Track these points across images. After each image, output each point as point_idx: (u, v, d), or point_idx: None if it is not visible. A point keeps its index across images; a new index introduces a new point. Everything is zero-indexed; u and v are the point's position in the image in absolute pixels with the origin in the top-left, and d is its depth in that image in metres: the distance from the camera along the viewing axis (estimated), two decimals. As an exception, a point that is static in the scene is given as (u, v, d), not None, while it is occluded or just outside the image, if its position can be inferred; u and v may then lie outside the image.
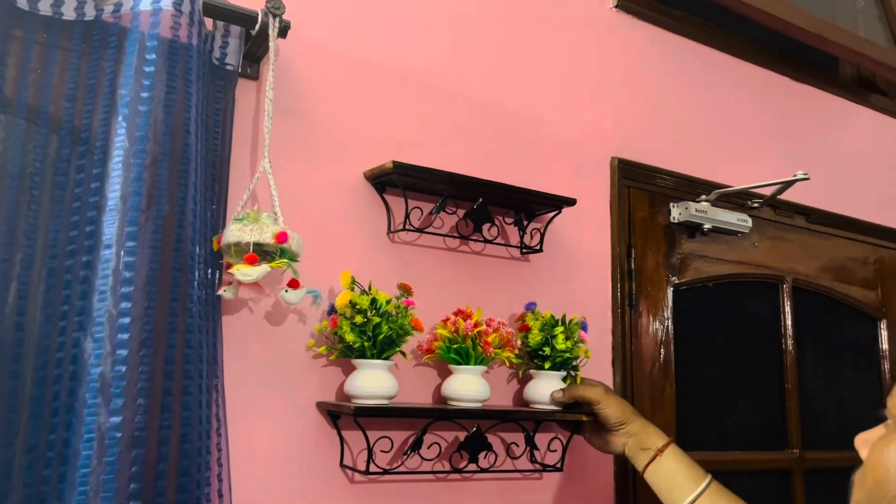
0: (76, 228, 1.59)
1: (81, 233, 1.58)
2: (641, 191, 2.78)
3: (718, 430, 2.88)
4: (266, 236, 1.69)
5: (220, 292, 1.73)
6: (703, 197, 2.85)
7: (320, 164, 2.09)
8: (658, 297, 2.74)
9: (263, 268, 1.69)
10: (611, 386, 2.54)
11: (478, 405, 2.07)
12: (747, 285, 3.07)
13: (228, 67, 1.90)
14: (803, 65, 3.42)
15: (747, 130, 3.16)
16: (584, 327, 2.25)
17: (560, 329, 2.19)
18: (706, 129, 3.03)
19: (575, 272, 2.53)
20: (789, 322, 3.13)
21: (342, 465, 1.99)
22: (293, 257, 1.78)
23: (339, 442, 1.99)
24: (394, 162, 2.03)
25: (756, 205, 3.03)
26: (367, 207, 2.15)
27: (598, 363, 2.49)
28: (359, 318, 1.89)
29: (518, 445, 2.25)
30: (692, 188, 2.88)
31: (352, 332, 1.88)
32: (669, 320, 2.76)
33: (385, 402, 1.93)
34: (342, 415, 1.95)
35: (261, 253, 1.73)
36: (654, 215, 2.79)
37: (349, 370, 1.97)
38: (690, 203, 2.79)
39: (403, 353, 2.05)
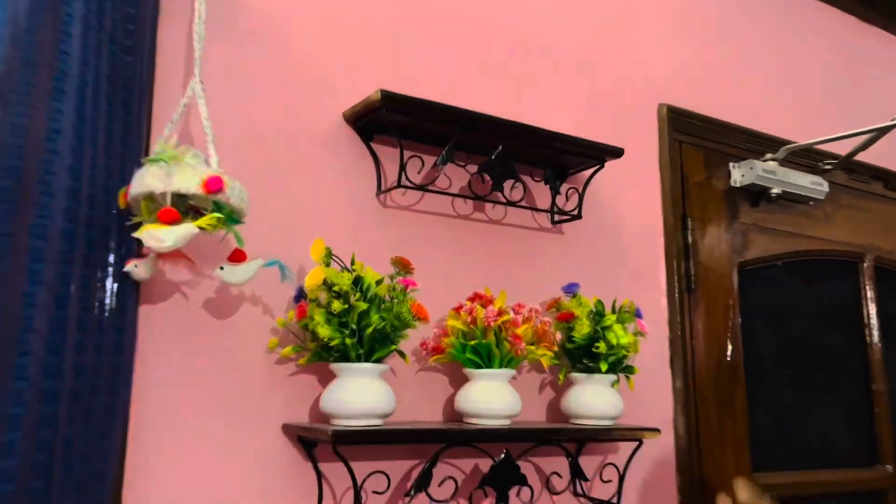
0: None
1: None
2: (696, 147, 2.23)
3: (796, 444, 2.32)
4: (190, 184, 1.14)
5: (128, 268, 1.17)
6: (770, 155, 2.30)
7: (285, 99, 1.53)
8: (721, 280, 2.18)
9: (184, 229, 1.13)
10: (669, 394, 1.98)
11: (506, 423, 1.51)
12: (821, 264, 2.52)
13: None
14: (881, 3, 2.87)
15: (816, 79, 2.61)
16: (638, 314, 1.70)
17: (612, 318, 1.63)
18: (769, 77, 2.47)
19: (619, 247, 1.97)
20: (872, 309, 2.57)
21: (320, 512, 1.43)
22: (234, 216, 1.23)
23: (317, 480, 1.43)
24: (382, 92, 1.47)
25: (829, 166, 2.47)
26: (350, 160, 1.60)
27: (651, 363, 1.93)
28: (337, 305, 1.33)
29: (561, 476, 1.69)
30: (754, 145, 2.33)
31: (327, 325, 1.32)
32: (735, 308, 2.19)
33: (377, 422, 1.37)
34: (319, 442, 1.39)
35: (184, 209, 1.17)
36: (711, 178, 2.24)
37: (327, 379, 1.42)
38: (756, 162, 2.24)
39: (402, 354, 1.49)
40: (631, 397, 1.82)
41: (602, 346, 1.58)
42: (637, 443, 1.70)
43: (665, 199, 2.10)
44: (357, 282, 1.38)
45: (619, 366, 1.66)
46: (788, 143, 2.30)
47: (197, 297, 1.37)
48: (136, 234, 1.13)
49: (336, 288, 1.34)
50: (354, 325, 1.35)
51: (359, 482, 1.36)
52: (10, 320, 1.01)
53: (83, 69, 1.17)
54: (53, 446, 1.06)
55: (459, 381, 1.59)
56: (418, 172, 1.63)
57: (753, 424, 2.17)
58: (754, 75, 2.43)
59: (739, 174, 2.27)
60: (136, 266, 1.18)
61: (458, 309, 1.55)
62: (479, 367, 1.53)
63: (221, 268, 1.26)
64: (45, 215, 1.08)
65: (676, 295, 2.06)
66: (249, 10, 1.51)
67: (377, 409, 1.36)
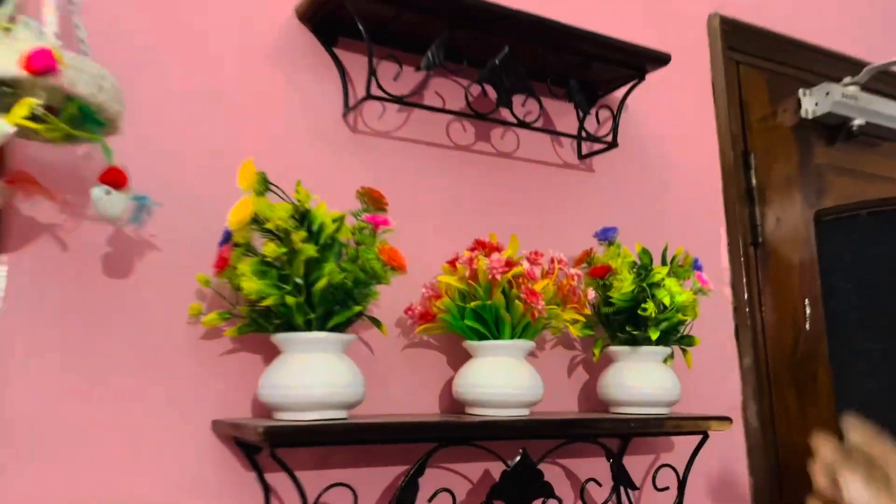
0: None
1: None
2: (757, 70, 1.79)
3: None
4: (4, 61, 0.75)
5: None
6: (849, 79, 1.85)
7: (212, -13, 1.14)
8: (794, 232, 1.75)
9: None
10: (735, 374, 1.56)
11: (522, 413, 1.11)
12: (913, 216, 2.04)
13: None
14: None
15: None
16: (697, 266, 1.28)
17: (663, 271, 1.21)
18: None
19: (666, 187, 1.55)
20: (977, 268, 2.10)
21: (268, 541, 1.04)
22: (93, 115, 0.84)
23: (263, 495, 1.03)
24: (340, -35, 1.08)
25: (918, 95, 2.01)
26: (308, 71, 1.21)
27: (710, 332, 1.51)
28: (271, 248, 0.93)
29: (600, 484, 1.27)
30: (830, 67, 1.89)
31: (257, 278, 0.93)
32: (813, 267, 1.75)
33: (338, 414, 0.98)
34: (287, 443, 0.99)
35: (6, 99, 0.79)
36: (776, 108, 1.80)
37: (272, 356, 1.02)
38: (833, 86, 1.80)
39: (376, 322, 1.09)
40: (688, 378, 1.40)
41: (650, 308, 1.16)
42: (701, 436, 1.28)
43: (721, 132, 1.68)
44: (304, 218, 0.98)
45: (674, 335, 1.24)
46: (872, 64, 1.85)
47: (81, 245, 0.99)
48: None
49: (270, 225, 0.94)
50: (300, 279, 0.95)
51: (309, 500, 0.97)
52: None
53: None
54: None
55: (461, 358, 1.19)
56: (395, 80, 1.22)
57: (840, 411, 1.72)
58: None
59: (812, 103, 1.83)
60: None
61: (453, 262, 1.15)
62: (483, 338, 1.12)
63: (107, 191, 0.87)
64: None
65: (740, 251, 1.63)
66: None
67: (335, 396, 0.96)
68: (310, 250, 0.94)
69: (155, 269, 1.03)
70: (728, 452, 1.51)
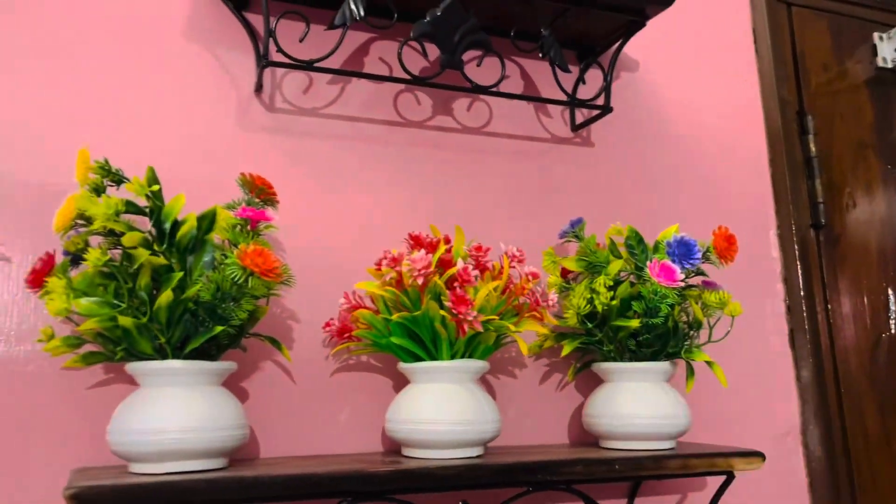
0: None
1: None
2: (815, 12, 1.46)
3: None
4: None
5: None
6: (939, 17, 1.49)
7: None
8: (870, 208, 1.41)
9: None
10: (791, 390, 1.25)
11: (471, 451, 0.86)
12: None
13: None
14: None
15: None
16: (674, 252, 0.97)
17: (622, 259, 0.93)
18: None
19: (693, 163, 1.25)
20: None
21: None
22: None
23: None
24: None
25: None
26: (215, 40, 1.00)
27: (758, 338, 1.20)
28: (94, 255, 0.72)
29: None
30: (913, 4, 1.53)
31: (74, 297, 0.72)
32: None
33: (211, 464, 0.76)
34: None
35: None
36: (842, 57, 1.46)
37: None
38: (917, 25, 1.44)
39: (275, 343, 0.87)
40: (720, 399, 1.12)
41: (637, 308, 0.88)
42: (724, 477, 0.98)
43: (767, 89, 1.36)
44: (154, 214, 0.77)
45: (671, 345, 0.95)
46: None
47: None
48: None
49: (96, 225, 0.74)
50: (145, 294, 0.74)
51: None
52: None
53: None
54: None
55: (399, 384, 0.95)
56: (300, 41, 0.99)
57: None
58: None
59: (891, 49, 1.48)
60: None
61: (379, 263, 0.91)
62: (419, 359, 0.88)
63: None
64: None
65: (794, 234, 1.30)
66: None
67: (195, 441, 0.74)
68: (143, 255, 0.73)
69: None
70: (781, 490, 1.19)
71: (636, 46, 1.22)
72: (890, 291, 1.38)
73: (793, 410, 1.23)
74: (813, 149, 1.36)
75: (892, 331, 1.36)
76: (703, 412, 1.12)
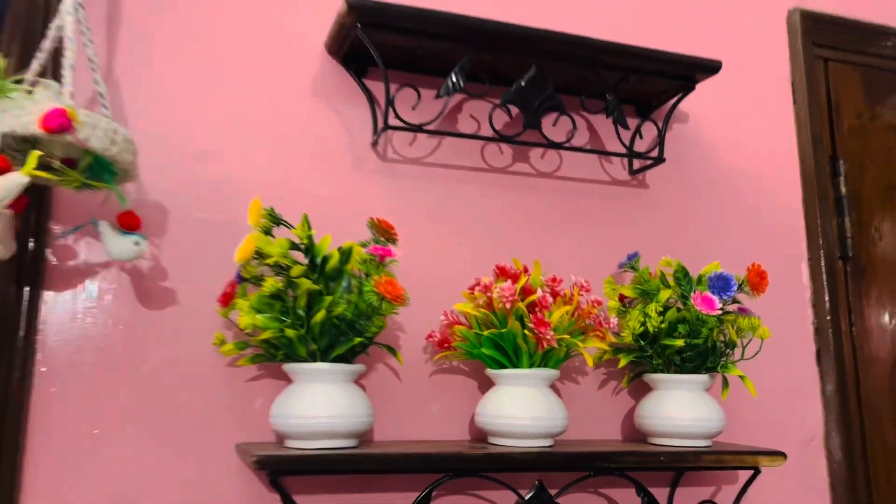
0: None
1: None
2: (849, 66, 1.64)
3: None
4: (24, 120, 0.84)
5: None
6: (965, 69, 1.65)
7: (250, 33, 1.21)
8: (895, 242, 1.58)
9: (11, 180, 0.82)
10: (816, 402, 1.43)
11: (544, 442, 1.08)
12: None
13: None
14: None
15: None
16: (715, 287, 1.17)
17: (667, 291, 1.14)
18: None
19: (734, 202, 1.45)
20: None
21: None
22: (107, 165, 0.91)
23: (283, 517, 1.08)
24: (349, 2, 1.10)
25: None
26: (339, 102, 1.25)
27: (788, 356, 1.40)
28: (270, 284, 0.97)
29: (631, 519, 1.21)
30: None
31: (255, 313, 0.97)
32: (920, 281, 1.58)
33: (345, 443, 1.00)
34: (284, 472, 1.02)
35: (24, 151, 0.87)
36: (874, 106, 1.64)
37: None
38: (943, 78, 1.61)
39: (392, 350, 1.11)
40: (753, 407, 1.32)
41: (677, 342, 1.10)
42: (752, 472, 1.19)
43: (803, 137, 1.54)
44: (308, 251, 1.01)
45: (707, 361, 1.16)
46: None
47: (113, 281, 1.07)
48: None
49: (270, 261, 0.98)
50: (302, 311, 0.99)
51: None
52: None
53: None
54: None
55: (485, 385, 1.18)
56: (413, 109, 1.23)
57: (955, 443, 1.54)
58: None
59: (919, 98, 1.65)
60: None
61: (472, 288, 1.14)
62: (503, 366, 1.11)
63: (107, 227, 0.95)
64: None
65: (824, 265, 1.49)
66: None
67: (339, 425, 0.98)
68: (306, 283, 0.97)
69: (191, 301, 1.10)
70: (804, 490, 1.39)
71: (687, 100, 1.43)
72: (911, 317, 1.56)
73: (817, 419, 1.43)
74: (843, 189, 1.55)
75: (912, 352, 1.54)
76: (740, 418, 1.33)
